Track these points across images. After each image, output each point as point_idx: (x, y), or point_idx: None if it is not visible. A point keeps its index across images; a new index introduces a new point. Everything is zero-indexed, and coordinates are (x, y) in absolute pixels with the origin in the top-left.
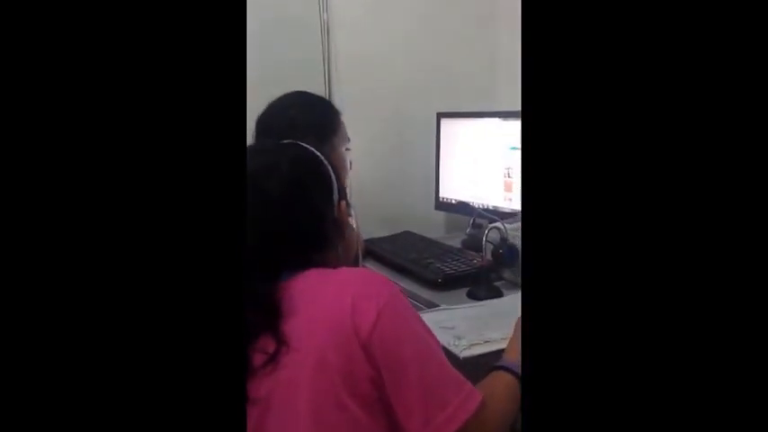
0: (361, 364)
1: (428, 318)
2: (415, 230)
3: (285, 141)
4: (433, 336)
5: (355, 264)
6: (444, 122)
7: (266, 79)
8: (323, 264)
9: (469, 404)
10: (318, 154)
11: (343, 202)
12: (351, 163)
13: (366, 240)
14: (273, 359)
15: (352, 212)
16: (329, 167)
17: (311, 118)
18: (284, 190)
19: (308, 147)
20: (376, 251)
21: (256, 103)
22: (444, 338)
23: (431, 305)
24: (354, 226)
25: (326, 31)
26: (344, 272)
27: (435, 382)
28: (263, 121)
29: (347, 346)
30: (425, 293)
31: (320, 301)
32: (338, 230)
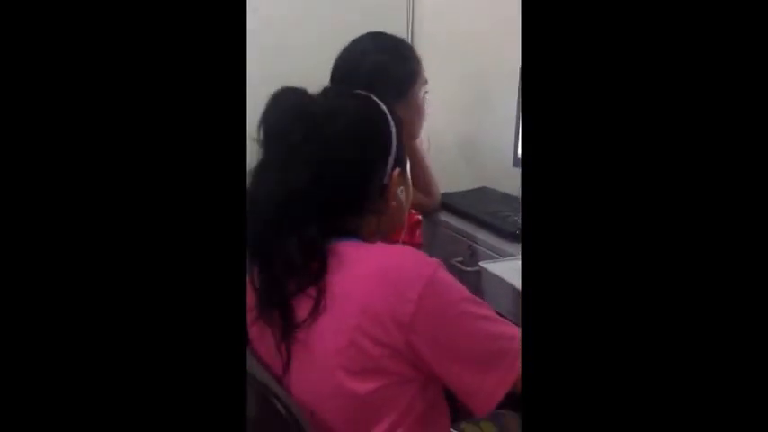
0: (402, 347)
1: (506, 265)
2: (491, 187)
3: (356, 92)
4: (474, 299)
5: (395, 240)
6: None
7: (350, 24)
8: (359, 230)
9: (518, 362)
10: (387, 113)
11: (398, 171)
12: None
13: (443, 194)
14: (315, 311)
15: (406, 185)
16: (394, 131)
17: (390, 68)
18: (341, 136)
19: (378, 102)
20: (452, 205)
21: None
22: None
23: (508, 256)
24: (404, 200)
25: None
26: (382, 250)
27: (481, 351)
28: (339, 67)
29: (385, 334)
30: (503, 245)
31: (359, 280)
32: (383, 198)
